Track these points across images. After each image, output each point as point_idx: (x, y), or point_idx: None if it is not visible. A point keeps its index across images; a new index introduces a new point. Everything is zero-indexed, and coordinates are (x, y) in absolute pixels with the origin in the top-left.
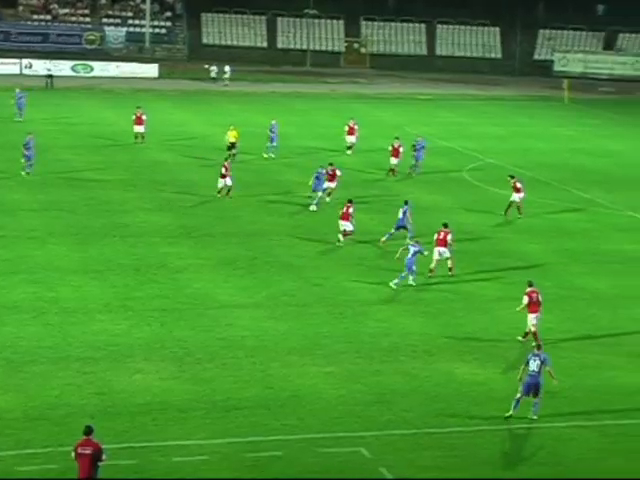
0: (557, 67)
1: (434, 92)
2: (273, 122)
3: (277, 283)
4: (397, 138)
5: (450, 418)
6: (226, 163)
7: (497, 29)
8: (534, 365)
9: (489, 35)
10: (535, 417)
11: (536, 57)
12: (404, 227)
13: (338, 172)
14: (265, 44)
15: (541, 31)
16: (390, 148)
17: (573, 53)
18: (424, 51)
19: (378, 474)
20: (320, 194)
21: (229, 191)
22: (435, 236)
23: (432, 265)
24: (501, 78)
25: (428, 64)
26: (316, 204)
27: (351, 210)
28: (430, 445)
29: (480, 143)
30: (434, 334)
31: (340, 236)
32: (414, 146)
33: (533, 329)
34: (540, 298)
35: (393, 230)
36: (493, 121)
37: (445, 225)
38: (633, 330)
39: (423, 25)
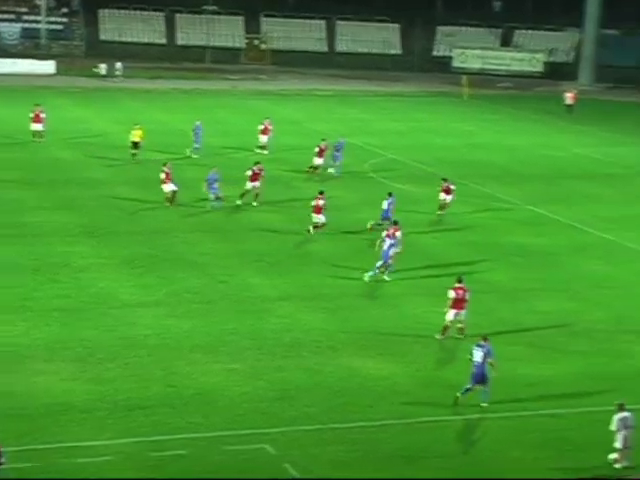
0: (456, 63)
1: (335, 88)
2: (197, 123)
3: (180, 281)
4: (324, 140)
5: (354, 413)
6: (165, 168)
7: (397, 26)
8: (477, 356)
9: (389, 32)
10: (485, 404)
11: (435, 53)
12: (388, 218)
13: (260, 170)
14: (164, 40)
15: (440, 28)
16: (317, 149)
17: (471, 49)
18: (324, 47)
19: (283, 470)
20: (212, 195)
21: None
22: (384, 233)
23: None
24: (401, 74)
25: (328, 60)
26: (215, 203)
27: (321, 202)
28: (334, 440)
29: (381, 139)
30: (336, 329)
31: (311, 228)
32: (335, 146)
33: (461, 325)
34: (467, 296)
35: (380, 220)
36: (394, 117)
37: (395, 222)
38: (532, 322)
39: (323, 22)
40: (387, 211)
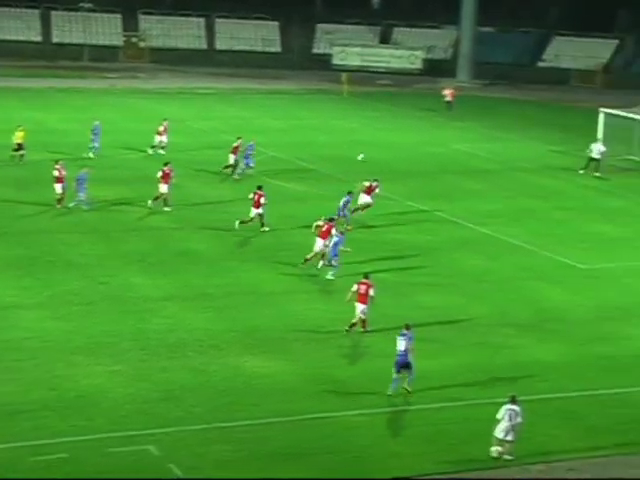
0: (336, 61)
1: (215, 86)
2: (96, 123)
3: (61, 282)
4: (239, 138)
5: (239, 412)
6: (58, 166)
7: (276, 23)
8: (401, 345)
9: (268, 29)
10: (410, 389)
11: (315, 51)
12: (344, 216)
13: (170, 171)
14: (39, 38)
15: (319, 25)
16: (232, 147)
17: (351, 47)
18: (204, 45)
19: (167, 471)
20: (82, 195)
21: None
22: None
23: (310, 255)
24: (281, 72)
25: (208, 58)
26: (86, 204)
27: (262, 200)
28: (220, 439)
29: (262, 137)
30: (221, 329)
31: (236, 223)
32: (247, 148)
33: (362, 317)
34: (371, 292)
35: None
36: (274, 115)
37: (331, 219)
38: (416, 317)
39: (202, 19)
40: (341, 209)
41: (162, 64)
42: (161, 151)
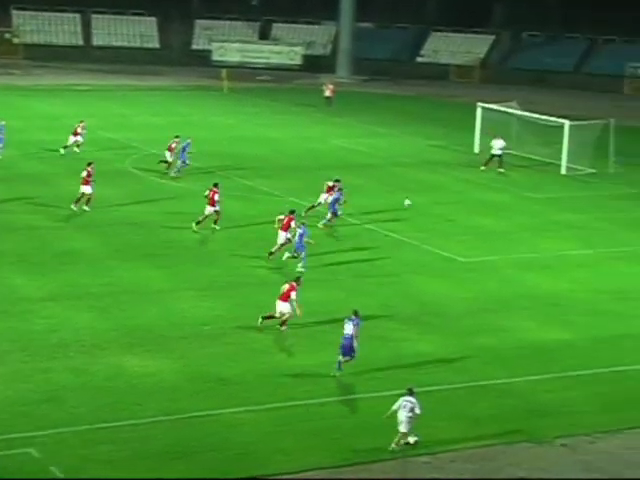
0: (215, 57)
1: (93, 83)
2: (2, 122)
3: None
4: (177, 136)
5: (122, 411)
6: (89, 168)
7: (154, 19)
8: (348, 328)
9: (146, 25)
10: (337, 374)
11: (194, 47)
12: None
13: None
14: None
15: (198, 21)
16: (169, 145)
17: (230, 43)
18: (80, 41)
19: (48, 473)
20: None
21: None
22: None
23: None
24: (160, 68)
25: (85, 54)
26: None
27: (217, 197)
28: (103, 440)
29: (142, 134)
30: (104, 328)
31: (194, 224)
32: (183, 147)
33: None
34: (292, 295)
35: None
36: (153, 111)
37: (292, 212)
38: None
39: (78, 15)
40: (332, 204)
41: (37, 60)
42: (76, 149)
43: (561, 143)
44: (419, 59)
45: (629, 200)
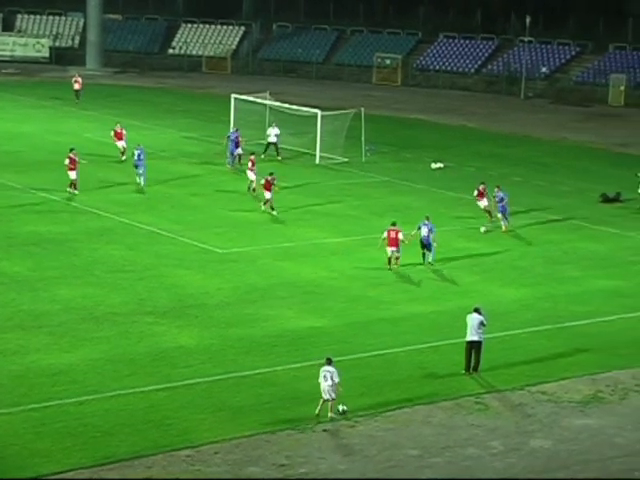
0: None
1: None
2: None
3: None
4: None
5: None
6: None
7: None
8: (424, 231)
9: None
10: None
11: None
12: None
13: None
14: None
15: None
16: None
17: None
18: None
19: None
20: None
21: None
22: (385, 235)
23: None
24: None
25: None
26: None
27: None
28: None
29: None
30: None
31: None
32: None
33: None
34: (400, 236)
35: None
36: None
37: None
38: (53, 311)
39: None
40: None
41: None
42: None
43: (314, 133)
44: (170, 51)
45: (380, 188)
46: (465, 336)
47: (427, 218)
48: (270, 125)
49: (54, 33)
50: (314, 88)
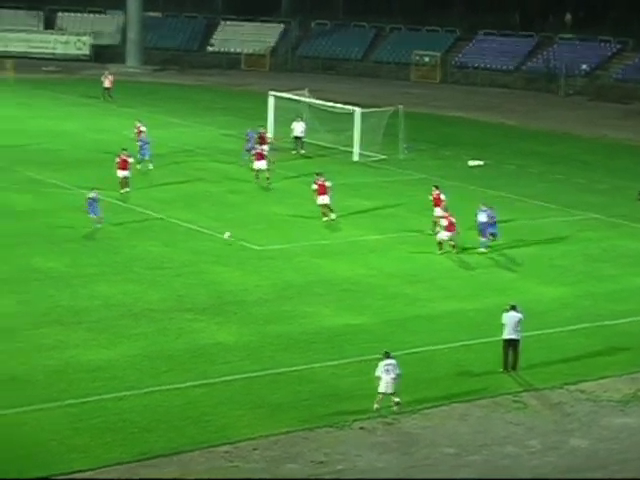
0: (0, 47)
1: None
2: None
3: None
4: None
5: None
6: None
7: None
8: (482, 217)
9: None
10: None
11: None
12: None
13: None
14: None
15: None
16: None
17: (14, 33)
18: None
19: None
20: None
21: None
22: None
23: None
24: None
25: None
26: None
27: (328, 183)
28: None
29: None
30: None
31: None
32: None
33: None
34: (453, 220)
35: None
36: None
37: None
38: (92, 307)
39: None
40: None
41: None
42: None
43: (352, 130)
44: (209, 48)
45: (418, 185)
46: (502, 334)
47: (483, 204)
48: (296, 120)
49: (94, 31)
50: (352, 85)
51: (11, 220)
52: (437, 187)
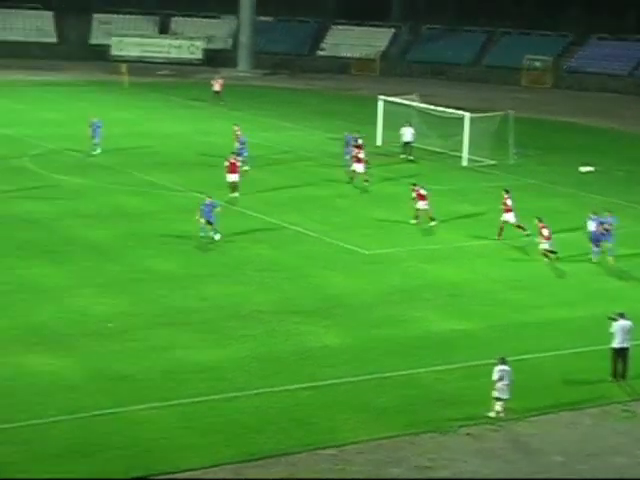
0: (114, 51)
1: None
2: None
3: None
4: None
5: (23, 412)
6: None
7: (50, 13)
8: (591, 225)
9: (42, 19)
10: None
11: (93, 41)
12: None
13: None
14: None
15: (95, 15)
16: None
17: (129, 37)
18: None
19: None
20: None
21: None
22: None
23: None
24: (57, 63)
25: None
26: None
27: (423, 191)
28: (4, 441)
29: (40, 129)
30: (2, 327)
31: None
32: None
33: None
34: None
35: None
36: (53, 107)
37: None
38: (201, 308)
39: None
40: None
41: None
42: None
43: (461, 135)
44: (320, 52)
45: (527, 191)
46: (611, 343)
47: (593, 212)
48: (404, 125)
49: (207, 35)
50: (462, 90)
51: (123, 221)
52: (507, 191)
